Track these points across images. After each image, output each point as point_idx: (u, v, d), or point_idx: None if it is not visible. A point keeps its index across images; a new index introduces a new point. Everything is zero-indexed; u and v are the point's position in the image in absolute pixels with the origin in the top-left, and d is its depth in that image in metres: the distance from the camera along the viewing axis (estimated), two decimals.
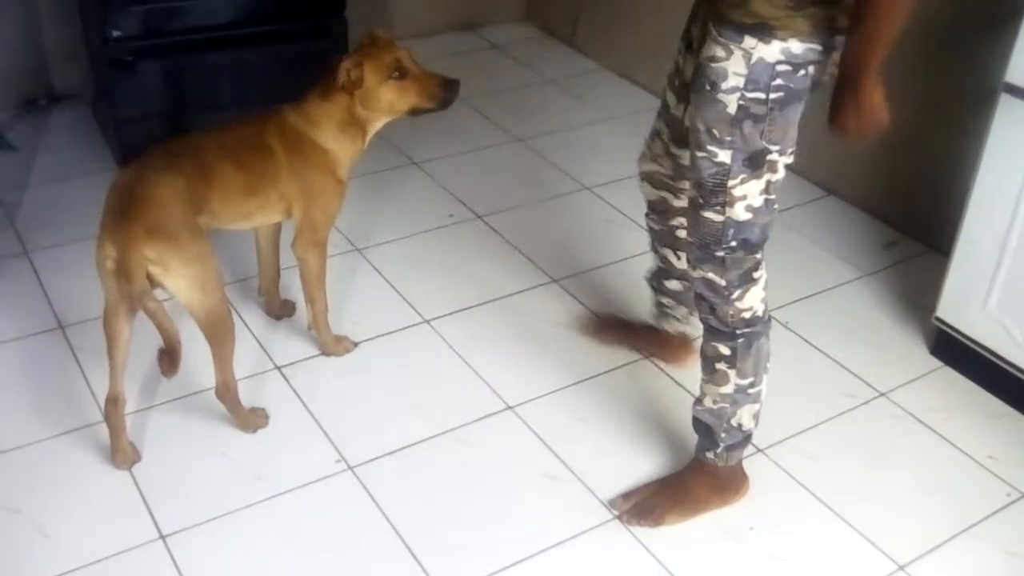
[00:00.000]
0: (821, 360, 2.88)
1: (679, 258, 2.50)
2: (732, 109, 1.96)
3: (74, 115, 3.87)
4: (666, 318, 2.74)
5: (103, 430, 2.42)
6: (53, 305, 2.91)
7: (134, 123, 3.37)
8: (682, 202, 2.37)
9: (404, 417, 2.60)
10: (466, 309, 3.00)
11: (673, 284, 2.61)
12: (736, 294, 2.15)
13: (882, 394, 2.76)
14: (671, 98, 2.28)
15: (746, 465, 2.45)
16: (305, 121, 2.50)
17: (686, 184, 2.27)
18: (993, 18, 2.81)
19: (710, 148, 2.02)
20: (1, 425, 2.50)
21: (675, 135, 2.30)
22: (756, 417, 2.31)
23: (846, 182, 3.60)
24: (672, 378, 2.77)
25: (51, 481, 2.37)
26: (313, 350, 2.79)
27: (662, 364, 2.82)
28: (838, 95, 1.96)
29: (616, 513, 2.37)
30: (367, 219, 3.33)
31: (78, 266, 3.01)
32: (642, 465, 2.51)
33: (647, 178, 2.47)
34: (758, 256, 2.15)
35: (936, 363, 2.89)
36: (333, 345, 2.77)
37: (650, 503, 2.37)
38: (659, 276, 2.65)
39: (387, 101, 2.49)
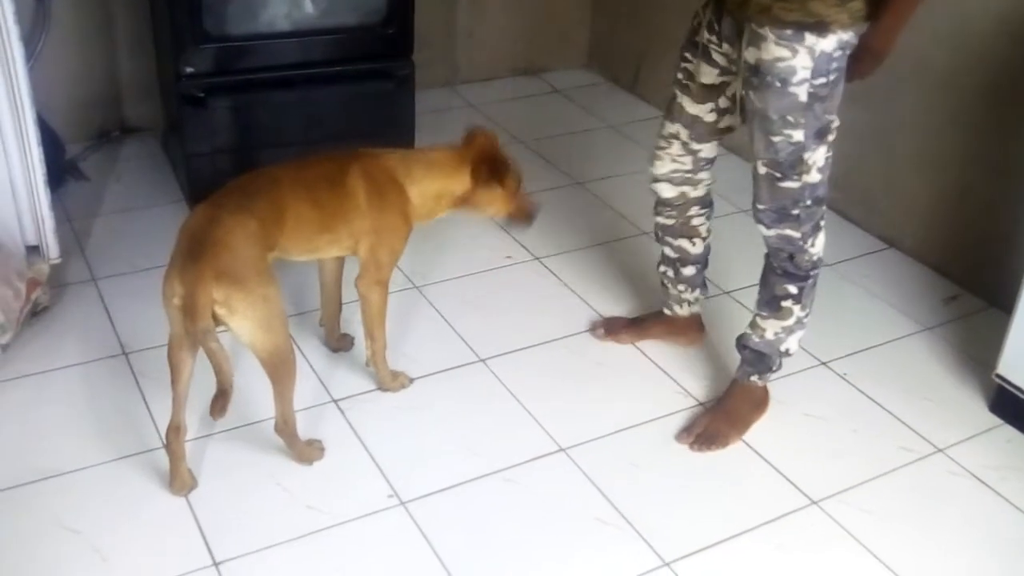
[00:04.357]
0: (878, 413, 2.85)
1: (694, 244, 2.81)
2: (804, 97, 2.29)
3: (144, 148, 3.96)
4: (680, 303, 2.95)
5: (162, 456, 2.47)
6: (118, 331, 2.97)
7: (203, 157, 3.44)
8: (699, 192, 2.72)
9: (457, 454, 2.62)
10: (521, 349, 3.01)
11: (688, 270, 2.86)
12: (810, 242, 2.51)
13: (939, 450, 2.73)
14: (685, 101, 2.56)
15: (799, 517, 2.48)
16: (405, 171, 2.57)
17: (704, 175, 2.70)
18: None
19: (786, 132, 2.34)
20: (64, 447, 2.56)
21: (695, 134, 2.59)
22: (800, 341, 2.69)
23: (907, 235, 3.58)
24: None
25: (110, 504, 2.41)
26: (369, 384, 2.82)
27: (680, 346, 3.00)
28: (859, 60, 2.33)
29: (686, 445, 2.67)
30: (427, 258, 3.37)
31: (143, 294, 3.08)
32: (695, 512, 2.50)
33: (665, 179, 2.72)
34: (824, 206, 2.49)
35: (995, 420, 2.85)
36: (390, 380, 2.79)
37: (711, 431, 2.69)
38: (675, 265, 2.87)
39: (497, 206, 2.67)
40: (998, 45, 3.14)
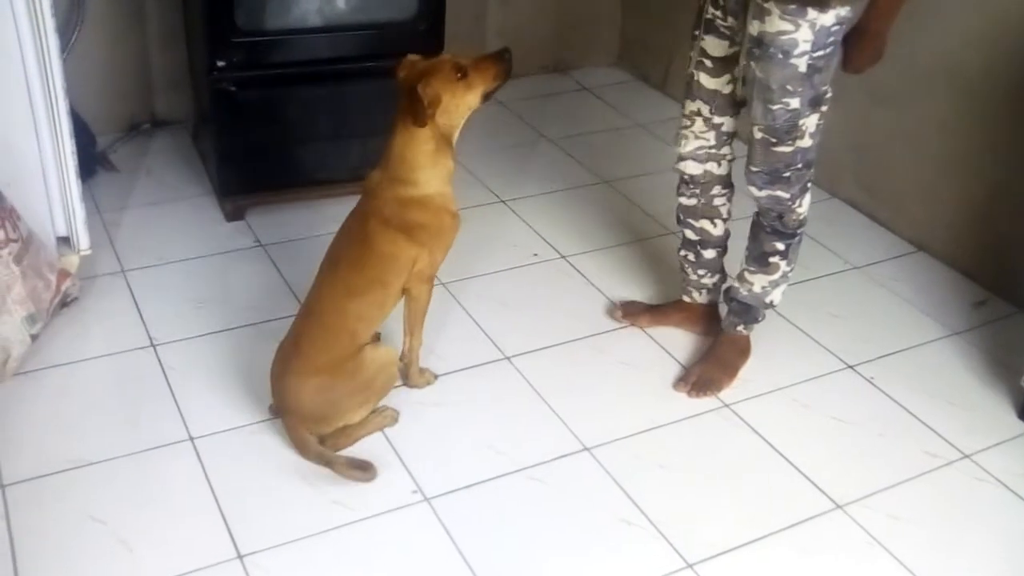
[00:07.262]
0: (904, 417, 2.84)
1: (715, 226, 2.90)
2: (803, 68, 2.41)
3: (175, 141, 3.98)
4: (700, 289, 3.04)
5: (187, 448, 2.51)
6: (146, 323, 2.99)
7: (234, 151, 3.46)
8: (722, 170, 2.81)
9: (481, 452, 2.62)
10: (546, 348, 3.01)
11: (709, 253, 2.96)
12: (798, 202, 2.66)
13: (966, 456, 2.71)
14: (703, 78, 2.68)
15: (823, 521, 2.48)
16: (402, 186, 2.50)
17: (726, 150, 2.78)
18: None
19: (784, 100, 2.46)
20: (91, 437, 2.58)
21: (717, 106, 2.70)
22: (783, 293, 2.86)
23: (936, 238, 3.55)
24: (753, 428, 2.75)
25: (136, 495, 2.43)
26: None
27: (697, 335, 3.06)
28: (856, 43, 2.46)
29: (683, 393, 2.83)
30: (452, 255, 3.33)
31: (171, 287, 3.12)
32: (720, 514, 2.49)
33: (691, 156, 2.81)
34: (812, 169, 2.63)
35: (1023, 427, 2.83)
36: (416, 377, 2.80)
37: (706, 378, 2.86)
38: (695, 248, 2.96)
39: (465, 101, 2.52)
40: None
